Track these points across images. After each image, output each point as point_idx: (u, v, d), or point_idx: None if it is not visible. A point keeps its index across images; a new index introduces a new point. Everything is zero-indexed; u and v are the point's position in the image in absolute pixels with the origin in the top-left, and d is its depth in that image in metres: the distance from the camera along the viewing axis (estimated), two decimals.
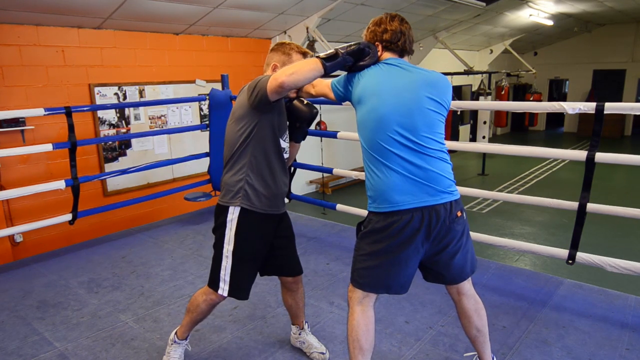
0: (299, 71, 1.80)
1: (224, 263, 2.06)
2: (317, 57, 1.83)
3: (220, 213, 2.07)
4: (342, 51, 1.83)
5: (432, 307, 2.81)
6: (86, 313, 2.83)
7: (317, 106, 2.21)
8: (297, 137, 2.20)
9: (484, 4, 7.48)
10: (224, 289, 2.07)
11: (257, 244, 2.08)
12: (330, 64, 1.80)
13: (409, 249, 1.80)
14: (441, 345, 2.44)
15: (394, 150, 1.76)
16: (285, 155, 2.12)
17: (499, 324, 2.61)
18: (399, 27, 1.88)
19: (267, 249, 2.14)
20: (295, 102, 2.11)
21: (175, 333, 2.27)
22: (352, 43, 1.88)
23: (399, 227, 1.77)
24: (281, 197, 2.11)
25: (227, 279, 2.06)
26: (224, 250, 2.05)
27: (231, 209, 2.03)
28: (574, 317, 2.67)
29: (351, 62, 1.85)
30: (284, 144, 2.09)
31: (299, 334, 2.38)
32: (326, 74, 1.84)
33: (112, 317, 2.78)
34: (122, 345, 2.48)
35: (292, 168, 4.17)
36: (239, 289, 2.09)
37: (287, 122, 2.15)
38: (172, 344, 2.26)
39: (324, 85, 2.04)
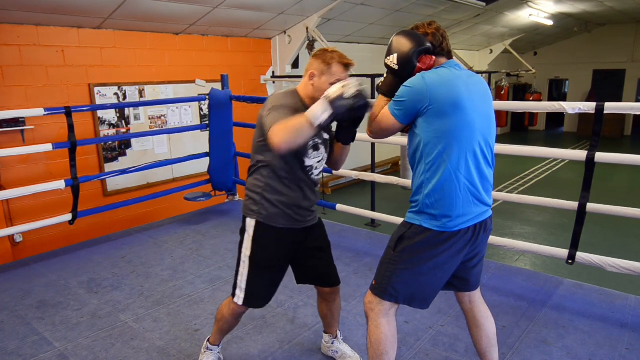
0: (289, 130, 1.66)
1: (241, 269, 2.01)
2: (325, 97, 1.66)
3: (243, 219, 2.03)
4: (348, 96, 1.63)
5: (432, 307, 2.76)
6: (86, 313, 2.83)
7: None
8: (343, 138, 1.99)
9: (484, 4, 7.48)
10: (239, 296, 2.02)
11: (274, 253, 2.01)
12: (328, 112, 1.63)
13: (457, 261, 1.76)
14: (441, 345, 2.44)
15: (472, 162, 1.69)
16: (316, 172, 2.00)
17: (499, 324, 2.60)
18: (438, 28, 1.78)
19: (289, 259, 2.08)
20: None
21: (208, 340, 2.24)
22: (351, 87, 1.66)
23: (455, 242, 1.71)
24: (304, 211, 2.01)
25: (243, 286, 2.00)
26: (242, 255, 2.01)
27: (248, 220, 1.99)
28: (574, 317, 2.67)
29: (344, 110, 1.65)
30: (311, 160, 1.95)
31: (332, 343, 2.31)
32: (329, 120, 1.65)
33: (112, 317, 2.77)
34: (122, 345, 2.48)
35: None
36: (255, 298, 2.03)
37: (326, 132, 1.98)
38: (205, 351, 2.23)
39: (384, 117, 1.75)
